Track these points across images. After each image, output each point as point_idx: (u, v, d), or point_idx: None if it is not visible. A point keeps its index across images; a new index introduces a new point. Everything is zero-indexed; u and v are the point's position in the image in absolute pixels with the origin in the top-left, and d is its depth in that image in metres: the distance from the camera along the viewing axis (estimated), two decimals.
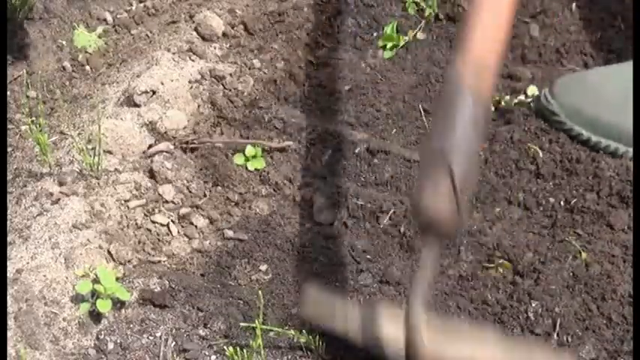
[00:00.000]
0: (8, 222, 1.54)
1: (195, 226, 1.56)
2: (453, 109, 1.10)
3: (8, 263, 1.46)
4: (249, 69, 1.82)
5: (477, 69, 1.13)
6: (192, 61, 1.83)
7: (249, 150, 1.64)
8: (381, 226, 1.51)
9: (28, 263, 1.47)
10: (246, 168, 1.63)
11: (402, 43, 1.83)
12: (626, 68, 1.56)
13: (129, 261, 1.49)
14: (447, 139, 1.08)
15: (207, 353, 1.35)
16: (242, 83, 1.79)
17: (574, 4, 1.85)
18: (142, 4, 1.97)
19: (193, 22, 1.90)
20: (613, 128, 1.53)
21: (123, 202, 1.56)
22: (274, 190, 1.60)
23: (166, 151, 1.65)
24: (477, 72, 1.12)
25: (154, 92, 1.74)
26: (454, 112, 1.10)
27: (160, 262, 1.51)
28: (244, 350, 1.28)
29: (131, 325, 1.40)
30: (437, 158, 1.08)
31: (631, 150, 1.52)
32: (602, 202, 1.48)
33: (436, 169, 1.07)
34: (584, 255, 1.41)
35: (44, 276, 1.44)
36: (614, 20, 1.81)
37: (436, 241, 1.09)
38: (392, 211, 1.52)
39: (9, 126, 1.75)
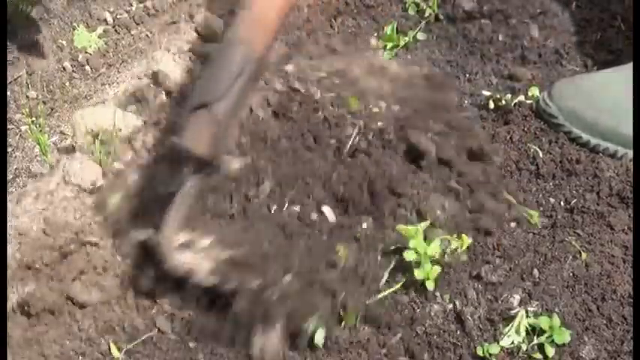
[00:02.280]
0: (8, 222, 1.54)
1: None
2: (222, 59, 1.24)
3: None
4: None
5: (251, 23, 1.26)
6: (193, 61, 1.83)
7: None
8: None
9: None
10: None
11: (402, 43, 1.83)
12: (625, 71, 1.56)
13: None
14: (213, 88, 1.22)
15: None
16: None
17: (574, 4, 1.85)
18: (142, 5, 1.97)
19: (193, 22, 1.91)
20: (612, 131, 1.53)
21: None
22: None
23: None
24: (251, 26, 1.25)
25: None
26: (222, 62, 1.24)
27: None
28: None
29: None
30: (199, 103, 1.22)
31: (630, 152, 1.53)
32: (602, 203, 1.48)
33: (197, 113, 1.22)
34: (584, 255, 1.42)
35: None
36: (614, 20, 1.81)
37: (198, 169, 1.26)
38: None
39: (9, 126, 1.75)
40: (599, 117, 1.54)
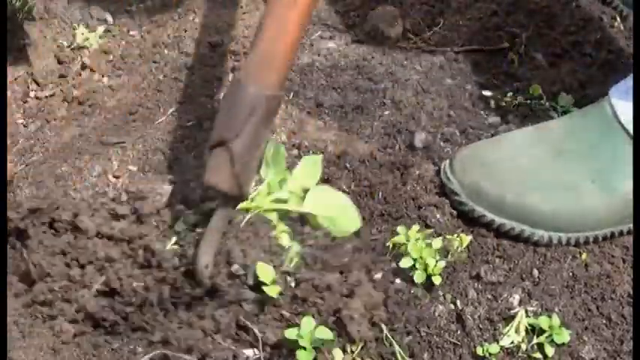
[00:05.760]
0: None
1: None
2: (233, 99, 1.26)
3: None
4: None
5: (260, 61, 1.26)
6: None
7: None
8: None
9: None
10: None
11: None
12: (531, 133, 1.47)
13: None
14: (227, 127, 1.26)
15: None
16: None
17: (574, 4, 1.85)
18: (142, 5, 1.97)
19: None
20: (518, 209, 1.40)
21: None
22: None
23: None
24: (260, 64, 1.26)
25: None
26: (233, 102, 1.26)
27: None
28: None
29: None
30: (218, 143, 1.26)
31: (537, 232, 1.41)
32: None
33: (218, 152, 1.26)
34: (584, 255, 1.42)
35: None
36: (613, 20, 1.81)
37: (223, 208, 1.30)
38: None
39: None
40: (504, 191, 1.41)
